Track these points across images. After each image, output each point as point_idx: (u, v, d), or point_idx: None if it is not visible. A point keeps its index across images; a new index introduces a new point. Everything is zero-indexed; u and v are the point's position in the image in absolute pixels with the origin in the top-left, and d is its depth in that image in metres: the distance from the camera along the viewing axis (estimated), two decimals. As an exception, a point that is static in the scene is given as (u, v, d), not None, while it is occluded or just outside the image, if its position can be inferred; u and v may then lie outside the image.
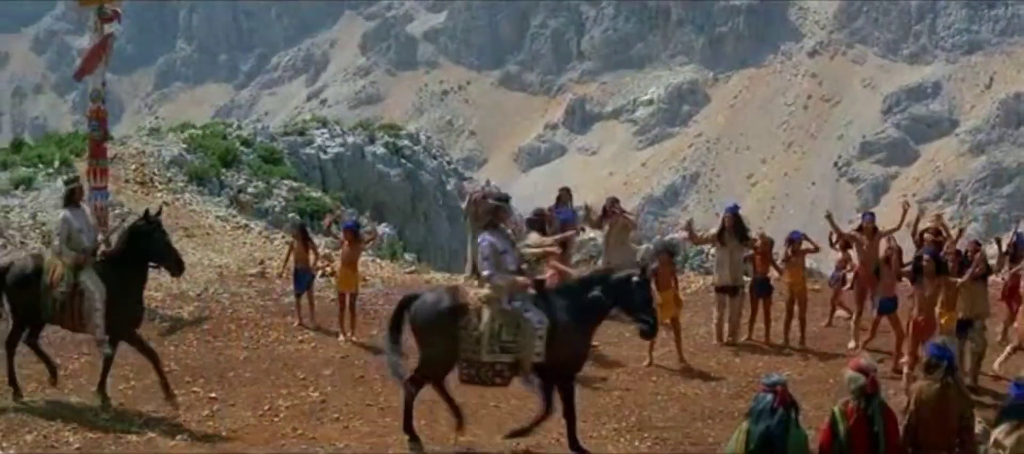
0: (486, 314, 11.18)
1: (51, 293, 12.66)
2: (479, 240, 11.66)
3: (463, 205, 18.57)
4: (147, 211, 12.78)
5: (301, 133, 34.71)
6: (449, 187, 38.51)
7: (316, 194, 29.77)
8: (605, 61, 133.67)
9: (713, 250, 18.24)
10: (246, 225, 24.46)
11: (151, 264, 12.75)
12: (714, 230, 16.59)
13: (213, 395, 13.27)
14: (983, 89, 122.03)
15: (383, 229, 27.45)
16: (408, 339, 11.53)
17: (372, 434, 11.96)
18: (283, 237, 22.90)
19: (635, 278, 11.27)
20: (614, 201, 17.61)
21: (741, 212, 17.05)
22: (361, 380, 13.76)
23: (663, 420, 12.90)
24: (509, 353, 11.17)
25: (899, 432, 8.86)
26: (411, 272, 22.66)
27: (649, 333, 11.69)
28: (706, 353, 15.76)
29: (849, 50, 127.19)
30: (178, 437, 11.77)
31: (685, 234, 19.00)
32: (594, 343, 13.90)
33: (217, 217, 24.24)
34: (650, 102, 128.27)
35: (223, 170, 28.02)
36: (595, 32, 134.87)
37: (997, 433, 8.88)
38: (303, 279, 16.79)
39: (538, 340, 11.06)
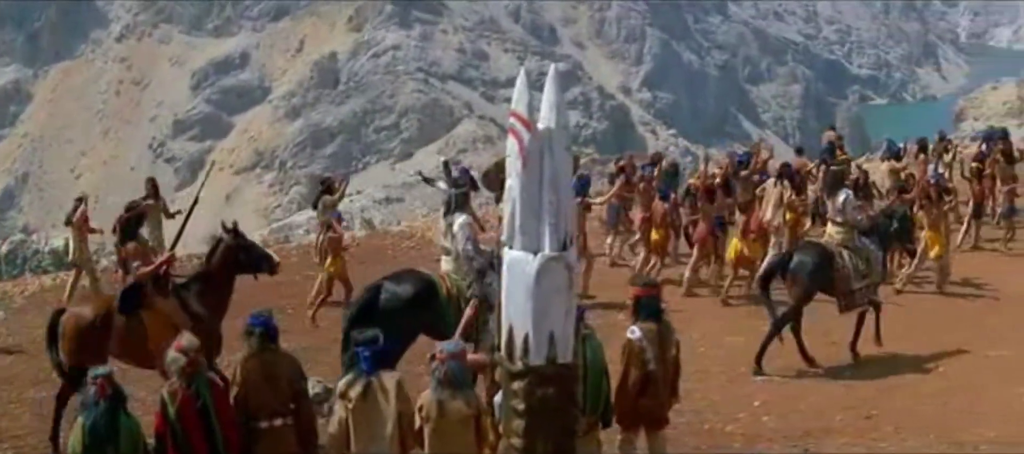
0: (846, 254, 14.99)
1: (452, 306, 11.86)
2: (843, 196, 15.37)
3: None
4: None
5: None
6: None
7: None
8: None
9: None
10: None
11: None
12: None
13: None
14: (294, 53, 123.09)
15: None
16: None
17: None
18: None
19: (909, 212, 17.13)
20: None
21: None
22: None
23: (18, 428, 12.76)
24: (867, 278, 15.06)
25: (230, 404, 8.98)
26: None
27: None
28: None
29: (155, 30, 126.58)
30: None
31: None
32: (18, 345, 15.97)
33: None
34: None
35: None
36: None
37: (341, 385, 9.10)
38: None
39: (879, 264, 15.59)
